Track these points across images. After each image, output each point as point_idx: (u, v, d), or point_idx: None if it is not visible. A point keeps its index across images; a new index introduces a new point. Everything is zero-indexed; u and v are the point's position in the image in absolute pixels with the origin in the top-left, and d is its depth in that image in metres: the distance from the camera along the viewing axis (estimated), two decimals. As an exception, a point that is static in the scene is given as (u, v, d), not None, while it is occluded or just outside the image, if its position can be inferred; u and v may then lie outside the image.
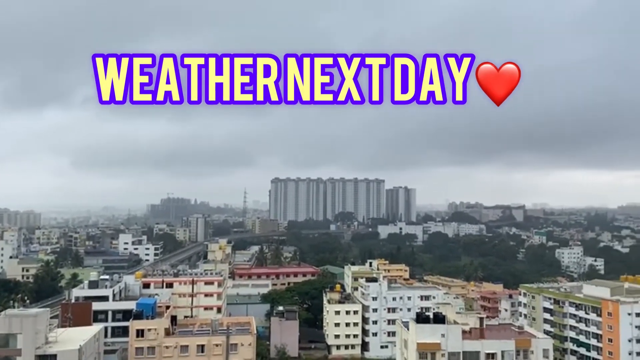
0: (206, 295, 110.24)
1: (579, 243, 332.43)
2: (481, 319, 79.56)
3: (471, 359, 70.79)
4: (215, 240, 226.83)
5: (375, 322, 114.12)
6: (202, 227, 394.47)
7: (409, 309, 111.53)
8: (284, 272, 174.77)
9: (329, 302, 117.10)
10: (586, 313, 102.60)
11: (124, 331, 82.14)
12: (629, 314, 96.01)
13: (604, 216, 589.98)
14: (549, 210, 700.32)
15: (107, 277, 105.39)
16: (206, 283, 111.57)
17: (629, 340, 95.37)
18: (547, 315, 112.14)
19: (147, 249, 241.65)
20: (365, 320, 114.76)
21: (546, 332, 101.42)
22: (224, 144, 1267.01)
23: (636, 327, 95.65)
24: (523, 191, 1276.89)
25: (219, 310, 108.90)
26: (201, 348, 78.06)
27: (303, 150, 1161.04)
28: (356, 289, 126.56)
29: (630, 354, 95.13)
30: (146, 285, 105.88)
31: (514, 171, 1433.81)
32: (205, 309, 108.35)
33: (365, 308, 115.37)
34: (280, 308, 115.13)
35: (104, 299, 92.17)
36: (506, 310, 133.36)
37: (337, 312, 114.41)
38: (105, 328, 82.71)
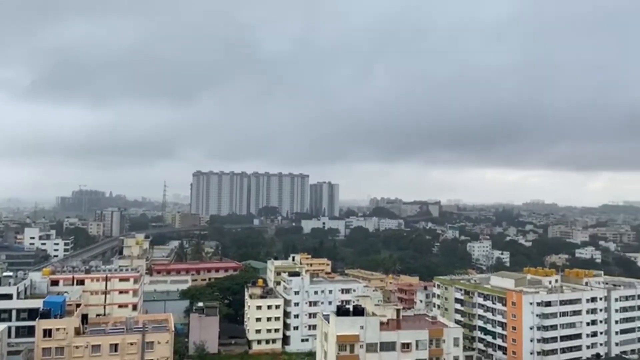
0: (121, 292, 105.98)
1: (488, 237, 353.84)
2: (398, 311, 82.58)
3: (388, 348, 73.33)
4: (131, 234, 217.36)
5: (296, 316, 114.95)
6: (118, 221, 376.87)
7: (330, 302, 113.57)
8: (205, 268, 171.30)
9: (250, 297, 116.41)
10: (493, 303, 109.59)
11: (30, 331, 77.66)
12: (531, 303, 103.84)
13: (511, 212, 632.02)
14: (462, 206, 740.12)
15: (10, 274, 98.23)
16: (121, 279, 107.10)
17: (531, 328, 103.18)
18: (458, 306, 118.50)
19: (56, 244, 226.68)
20: (286, 314, 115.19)
21: (457, 322, 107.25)
22: (143, 134, 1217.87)
23: (537, 315, 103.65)
24: (439, 188, 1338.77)
25: (134, 307, 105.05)
26: (114, 347, 74.91)
27: (227, 143, 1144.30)
28: (279, 283, 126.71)
29: (531, 340, 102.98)
30: (54, 283, 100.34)
31: (432, 168, 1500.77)
32: (120, 306, 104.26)
33: (287, 302, 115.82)
34: (200, 304, 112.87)
35: (7, 297, 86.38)
36: (421, 301, 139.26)
37: (259, 307, 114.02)
38: (9, 328, 77.88)
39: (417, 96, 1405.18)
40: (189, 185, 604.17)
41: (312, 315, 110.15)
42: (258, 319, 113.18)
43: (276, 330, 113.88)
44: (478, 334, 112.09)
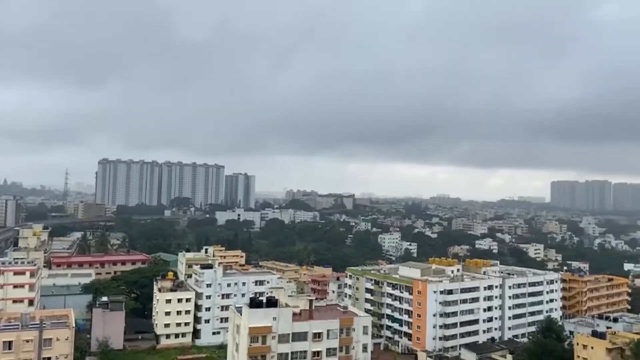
0: (15, 286, 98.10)
1: (398, 229, 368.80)
2: (310, 301, 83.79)
3: (300, 339, 74.23)
4: (28, 225, 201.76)
5: (208, 309, 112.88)
6: (13, 211, 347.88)
7: (243, 295, 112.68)
8: (110, 261, 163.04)
9: (159, 290, 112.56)
10: (401, 292, 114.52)
11: None
12: (435, 292, 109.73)
13: (419, 205, 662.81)
14: (375, 199, 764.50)
15: None
16: (15, 273, 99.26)
17: (434, 315, 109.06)
18: (369, 295, 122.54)
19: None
20: (198, 307, 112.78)
21: (367, 311, 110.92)
22: (46, 119, 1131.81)
23: (440, 303, 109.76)
24: (354, 181, 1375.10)
25: (30, 302, 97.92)
26: (8, 345, 69.55)
27: (139, 131, 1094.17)
28: (190, 276, 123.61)
29: (434, 326, 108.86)
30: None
31: (347, 162, 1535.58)
32: (15, 301, 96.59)
33: (198, 295, 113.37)
34: (105, 298, 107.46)
35: None
36: (334, 291, 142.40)
37: (169, 301, 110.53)
38: None
39: (335, 91, 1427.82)
40: (94, 173, 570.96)
41: (225, 308, 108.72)
42: (167, 313, 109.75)
43: (186, 324, 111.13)
44: (386, 321, 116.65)
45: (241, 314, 75.01)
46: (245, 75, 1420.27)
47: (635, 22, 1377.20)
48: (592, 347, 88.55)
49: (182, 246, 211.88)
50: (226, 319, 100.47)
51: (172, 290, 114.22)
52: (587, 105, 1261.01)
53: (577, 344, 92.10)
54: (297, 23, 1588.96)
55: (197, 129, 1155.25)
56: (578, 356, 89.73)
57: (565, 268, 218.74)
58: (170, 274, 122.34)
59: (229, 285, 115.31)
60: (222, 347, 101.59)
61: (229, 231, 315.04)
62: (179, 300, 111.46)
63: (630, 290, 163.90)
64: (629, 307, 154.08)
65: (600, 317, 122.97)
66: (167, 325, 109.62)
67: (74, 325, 77.22)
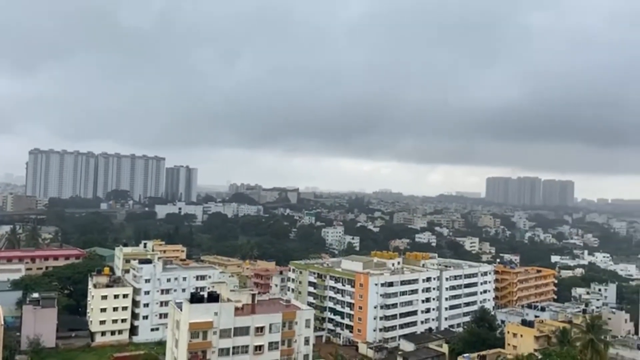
0: None
1: (341, 223, 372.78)
2: (253, 296, 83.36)
3: (242, 333, 73.80)
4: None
5: (146, 305, 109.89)
6: None
7: (183, 290, 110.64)
8: (42, 255, 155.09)
9: (95, 286, 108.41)
10: (343, 285, 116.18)
11: None
12: (376, 284, 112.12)
13: (362, 200, 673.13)
14: (319, 193, 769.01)
15: None
16: None
17: (375, 307, 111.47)
18: (312, 289, 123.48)
19: None
20: (136, 303, 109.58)
21: (310, 304, 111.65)
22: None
23: (380, 295, 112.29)
24: (299, 175, 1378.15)
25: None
26: None
27: (75, 120, 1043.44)
28: (128, 271, 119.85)
29: (375, 318, 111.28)
30: None
31: (292, 156, 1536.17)
32: None
33: (136, 291, 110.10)
34: (36, 295, 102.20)
35: None
36: (277, 285, 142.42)
37: (104, 297, 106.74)
38: None
39: (282, 86, 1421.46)
40: (25, 164, 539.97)
41: (164, 303, 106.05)
42: (103, 310, 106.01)
43: (123, 321, 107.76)
44: (328, 314, 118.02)
45: (181, 310, 73.58)
46: (191, 67, 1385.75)
47: (562, 30, 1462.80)
48: (521, 335, 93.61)
49: (120, 240, 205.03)
50: (165, 315, 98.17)
51: (108, 286, 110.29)
52: (520, 106, 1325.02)
53: (508, 332, 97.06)
54: (245, 17, 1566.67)
55: (138, 120, 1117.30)
56: (509, 344, 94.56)
57: (498, 260, 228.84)
58: (107, 270, 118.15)
59: (168, 280, 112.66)
60: (161, 344, 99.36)
61: (170, 225, 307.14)
62: (116, 297, 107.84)
63: (556, 281, 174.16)
64: (555, 297, 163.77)
65: (529, 306, 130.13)
66: (102, 322, 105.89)
67: (2, 322, 73.08)
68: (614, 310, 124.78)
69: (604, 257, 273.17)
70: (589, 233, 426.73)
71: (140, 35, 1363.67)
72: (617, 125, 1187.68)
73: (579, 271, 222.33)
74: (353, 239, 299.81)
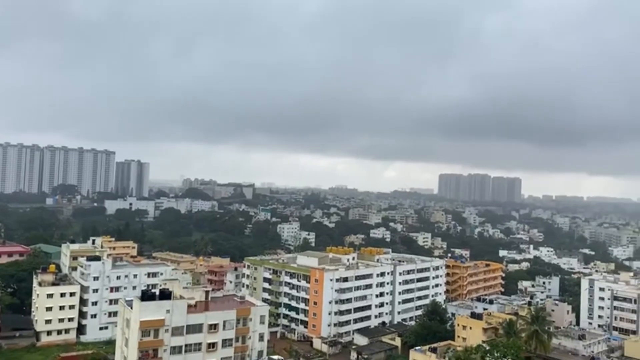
0: None
1: (297, 219, 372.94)
2: (207, 292, 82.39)
3: (195, 331, 72.77)
4: None
5: (95, 304, 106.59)
6: None
7: (134, 287, 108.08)
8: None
9: (40, 284, 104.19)
10: (298, 281, 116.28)
11: None
12: (331, 280, 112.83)
13: (318, 196, 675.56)
14: (275, 189, 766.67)
15: None
16: None
17: (330, 302, 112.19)
18: (267, 285, 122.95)
19: None
20: (83, 302, 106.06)
21: (265, 300, 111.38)
22: None
23: (335, 290, 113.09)
24: (255, 171, 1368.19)
25: None
26: None
27: (20, 112, 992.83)
28: (75, 269, 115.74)
29: (330, 313, 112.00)
30: None
31: (249, 152, 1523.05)
32: None
33: (84, 289, 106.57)
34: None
35: None
36: (231, 282, 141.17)
37: (50, 295, 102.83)
38: None
39: (239, 81, 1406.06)
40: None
41: (114, 301, 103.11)
42: (49, 309, 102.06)
43: (70, 320, 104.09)
44: (283, 310, 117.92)
45: (132, 308, 71.79)
46: (145, 59, 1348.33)
47: (512, 34, 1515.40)
48: (470, 328, 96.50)
49: (66, 237, 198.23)
50: (115, 314, 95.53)
51: (54, 284, 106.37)
52: (471, 105, 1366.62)
53: (458, 325, 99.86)
54: (201, 9, 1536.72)
55: (89, 112, 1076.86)
56: (459, 336, 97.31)
57: (449, 255, 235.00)
58: (52, 267, 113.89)
59: (118, 277, 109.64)
60: (110, 343, 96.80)
61: (120, 221, 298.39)
62: (62, 295, 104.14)
63: (504, 275, 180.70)
64: (503, 290, 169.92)
65: (478, 299, 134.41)
66: (48, 322, 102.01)
67: None
68: (557, 302, 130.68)
69: (548, 251, 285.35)
70: (535, 228, 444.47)
71: (92, 26, 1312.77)
72: (562, 126, 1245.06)
73: (524, 265, 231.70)
74: (309, 234, 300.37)
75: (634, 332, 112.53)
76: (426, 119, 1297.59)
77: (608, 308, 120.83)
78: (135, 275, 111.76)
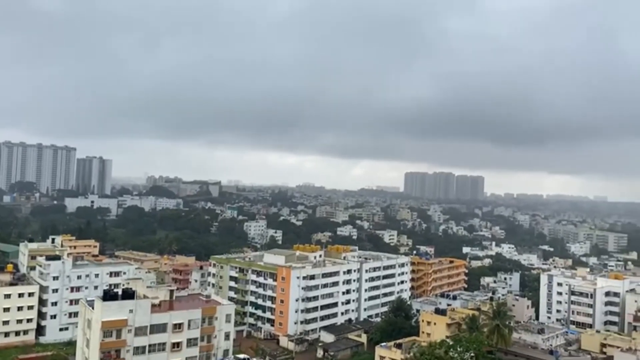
0: None
1: (264, 217, 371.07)
2: (171, 291, 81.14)
3: (159, 330, 71.58)
4: None
5: (55, 304, 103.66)
6: None
7: (96, 287, 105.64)
8: None
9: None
10: (265, 279, 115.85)
11: None
12: (298, 277, 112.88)
13: (285, 193, 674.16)
14: (242, 186, 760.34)
15: None
16: None
17: (296, 300, 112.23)
18: (233, 283, 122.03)
19: None
20: (42, 302, 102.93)
21: (231, 299, 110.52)
22: None
23: (302, 288, 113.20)
24: (221, 168, 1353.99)
25: None
26: None
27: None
28: (33, 268, 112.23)
29: (296, 311, 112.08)
30: None
31: (215, 149, 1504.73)
32: None
33: (43, 289, 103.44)
34: None
35: None
36: (196, 281, 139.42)
37: (8, 296, 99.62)
38: None
39: (205, 78, 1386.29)
40: None
41: (75, 302, 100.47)
42: (6, 309, 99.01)
43: (29, 321, 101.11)
44: (250, 309, 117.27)
45: (93, 308, 70.08)
46: (109, 54, 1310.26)
47: (476, 36, 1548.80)
48: (434, 323, 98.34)
49: (24, 235, 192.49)
50: (76, 314, 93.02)
51: (12, 284, 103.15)
52: (437, 105, 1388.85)
53: (423, 320, 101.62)
54: (170, 7, 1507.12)
55: (49, 107, 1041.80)
56: (423, 332, 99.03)
57: (414, 252, 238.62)
58: (10, 267, 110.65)
59: (79, 277, 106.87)
60: (71, 344, 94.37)
61: (81, 219, 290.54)
62: (20, 295, 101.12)
63: (467, 271, 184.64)
64: (466, 286, 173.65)
65: (442, 295, 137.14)
66: (5, 323, 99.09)
67: None
68: (517, 297, 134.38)
69: (509, 247, 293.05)
70: (497, 226, 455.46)
71: (54, 19, 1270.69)
72: (523, 127, 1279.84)
73: (487, 261, 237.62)
74: (276, 232, 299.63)
75: (590, 326, 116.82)
76: (393, 118, 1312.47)
77: (566, 303, 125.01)
78: (96, 275, 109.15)
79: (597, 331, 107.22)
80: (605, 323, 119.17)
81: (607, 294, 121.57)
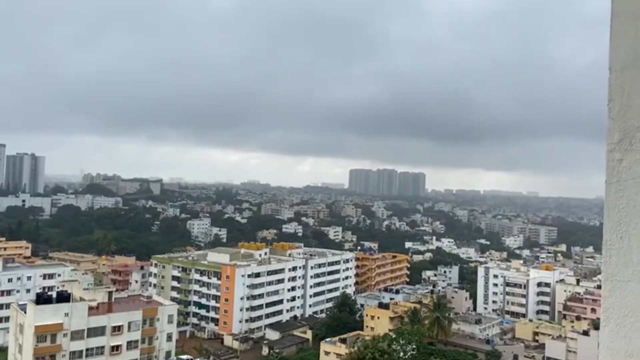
0: None
1: (207, 215, 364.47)
2: (110, 293, 78.51)
3: (97, 334, 69.08)
4: None
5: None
6: None
7: (28, 290, 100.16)
8: None
9: None
10: (209, 278, 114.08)
11: None
12: (243, 275, 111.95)
13: (230, 191, 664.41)
14: (184, 184, 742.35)
15: None
16: None
17: (241, 298, 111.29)
18: (175, 283, 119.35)
19: None
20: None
21: (173, 299, 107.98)
22: None
23: (247, 286, 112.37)
24: (162, 165, 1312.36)
25: None
26: None
27: None
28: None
29: (241, 309, 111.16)
30: None
31: (156, 146, 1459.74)
32: None
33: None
34: None
35: None
36: (137, 281, 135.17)
37: None
38: None
39: (144, 72, 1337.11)
40: None
41: (6, 306, 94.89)
42: None
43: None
44: (193, 308, 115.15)
45: (25, 312, 66.62)
46: (44, 50, 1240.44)
47: (415, 38, 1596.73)
48: (378, 317, 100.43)
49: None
50: (7, 319, 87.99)
51: None
52: (378, 104, 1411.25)
53: (367, 315, 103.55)
54: (109, 1, 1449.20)
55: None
56: (367, 326, 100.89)
57: (359, 248, 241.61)
58: None
59: (10, 280, 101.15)
60: (2, 350, 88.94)
61: (11, 219, 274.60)
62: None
63: (409, 265, 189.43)
64: (408, 280, 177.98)
65: (385, 290, 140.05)
66: None
67: None
68: (456, 289, 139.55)
69: (449, 242, 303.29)
70: (437, 221, 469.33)
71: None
72: (460, 125, 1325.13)
73: (428, 255, 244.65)
74: (220, 230, 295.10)
75: (524, 315, 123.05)
76: (336, 116, 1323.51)
77: (501, 294, 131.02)
78: (29, 277, 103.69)
79: (530, 320, 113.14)
80: (538, 312, 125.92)
81: (539, 284, 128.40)
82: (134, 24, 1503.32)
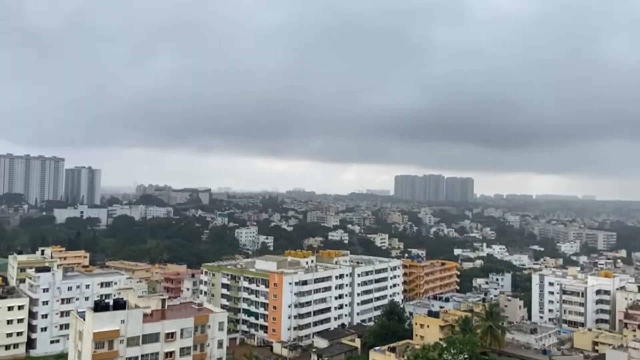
0: None
1: (254, 223, 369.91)
2: (163, 301, 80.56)
3: (151, 340, 71.03)
4: None
5: (45, 316, 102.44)
6: None
7: (87, 298, 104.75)
8: None
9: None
10: (257, 285, 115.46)
11: None
12: (290, 283, 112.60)
13: (276, 199, 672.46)
14: (232, 193, 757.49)
15: None
16: None
17: (289, 306, 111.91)
18: (225, 291, 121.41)
19: None
20: (33, 315, 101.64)
21: (223, 306, 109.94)
22: None
23: (295, 294, 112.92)
24: (211, 175, 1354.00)
25: None
26: None
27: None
28: (23, 281, 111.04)
29: (289, 317, 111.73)
30: None
31: (204, 157, 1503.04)
32: None
33: (33, 301, 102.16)
34: None
35: None
36: (188, 289, 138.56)
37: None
38: None
39: (194, 87, 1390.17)
40: None
41: (66, 313, 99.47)
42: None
43: (19, 334, 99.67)
44: (242, 316, 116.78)
45: (84, 319, 69.40)
46: (99, 68, 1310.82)
47: (458, 44, 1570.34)
48: (427, 326, 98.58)
49: (13, 248, 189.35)
50: (67, 326, 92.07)
51: (1, 297, 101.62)
52: (424, 110, 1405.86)
53: (416, 323, 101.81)
54: (159, 20, 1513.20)
55: (37, 118, 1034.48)
56: (416, 334, 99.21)
57: (406, 255, 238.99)
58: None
59: (70, 289, 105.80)
60: (62, 356, 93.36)
61: (71, 230, 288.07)
62: (10, 308, 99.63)
63: (459, 273, 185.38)
64: (458, 288, 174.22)
65: (435, 297, 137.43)
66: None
67: None
68: (509, 297, 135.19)
69: (500, 248, 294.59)
70: (487, 227, 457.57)
71: (47, 34, 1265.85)
72: (509, 129, 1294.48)
73: (478, 262, 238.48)
74: (267, 238, 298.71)
75: (582, 325, 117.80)
76: (381, 123, 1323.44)
77: (557, 302, 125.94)
78: (87, 286, 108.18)
79: (589, 329, 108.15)
80: (597, 321, 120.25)
81: (598, 292, 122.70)
82: (182, 41, 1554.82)
